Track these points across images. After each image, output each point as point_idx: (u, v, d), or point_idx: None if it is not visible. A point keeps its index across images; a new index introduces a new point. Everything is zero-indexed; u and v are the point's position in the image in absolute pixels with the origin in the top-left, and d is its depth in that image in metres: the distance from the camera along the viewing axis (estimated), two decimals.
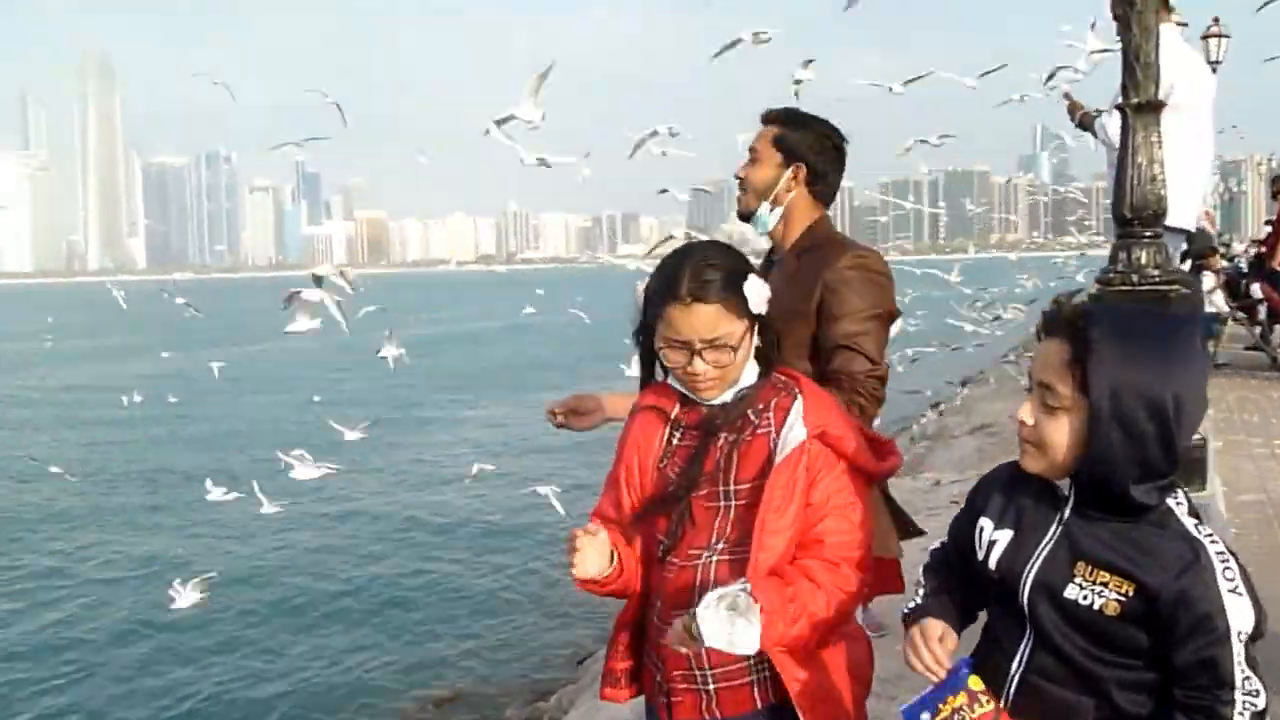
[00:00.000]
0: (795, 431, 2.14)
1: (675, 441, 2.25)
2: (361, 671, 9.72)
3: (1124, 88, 4.83)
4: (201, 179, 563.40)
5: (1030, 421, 1.74)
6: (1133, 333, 1.67)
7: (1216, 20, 14.70)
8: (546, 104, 6.27)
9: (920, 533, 3.63)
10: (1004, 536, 1.81)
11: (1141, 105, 4.77)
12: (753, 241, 3.29)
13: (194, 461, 19.80)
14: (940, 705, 1.78)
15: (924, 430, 12.98)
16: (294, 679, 9.62)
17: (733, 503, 2.17)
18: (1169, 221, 6.21)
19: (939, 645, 1.83)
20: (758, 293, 2.17)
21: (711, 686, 2.17)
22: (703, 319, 2.14)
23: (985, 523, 1.85)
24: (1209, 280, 11.38)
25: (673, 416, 2.27)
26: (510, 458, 19.16)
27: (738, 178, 3.18)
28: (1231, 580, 1.64)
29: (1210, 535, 1.69)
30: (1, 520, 15.95)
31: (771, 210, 3.12)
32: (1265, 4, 12.15)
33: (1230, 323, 11.63)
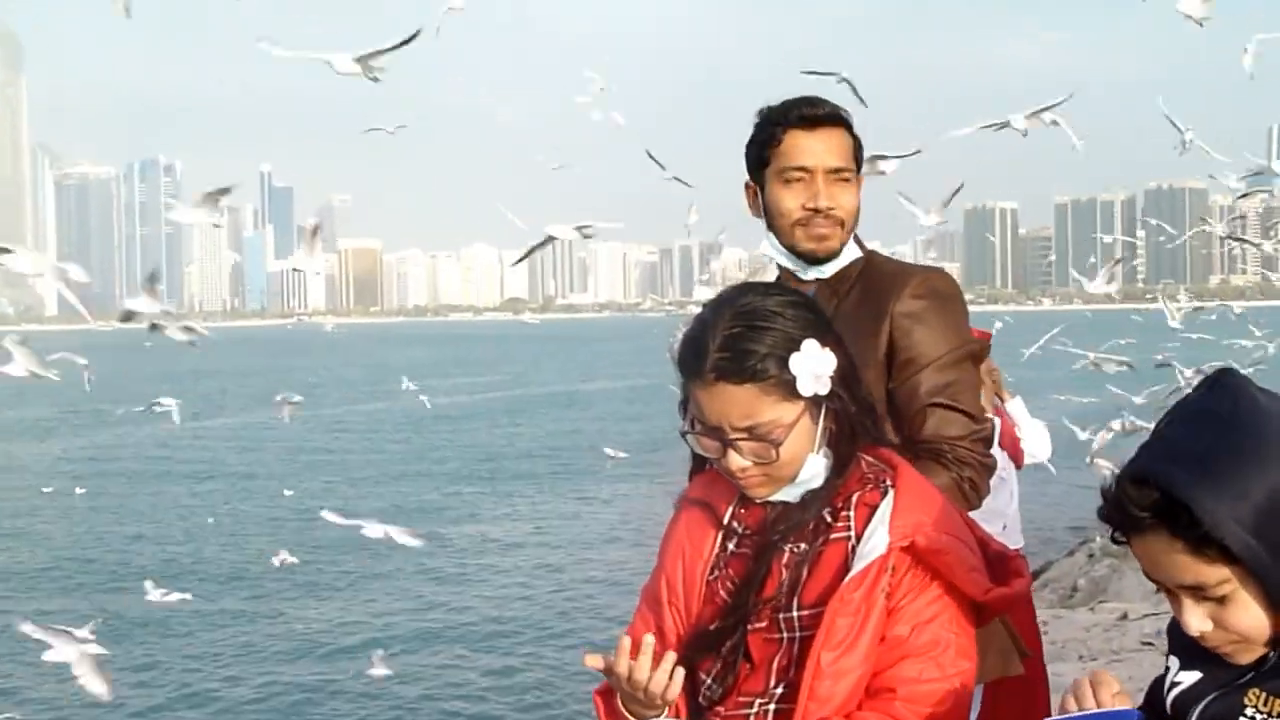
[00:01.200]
0: (876, 540, 2.14)
1: (730, 548, 2.27)
2: None
3: None
4: (133, 195, 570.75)
5: (1209, 627, 1.78)
6: (1204, 456, 1.71)
7: None
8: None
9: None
10: (1189, 678, 1.89)
11: None
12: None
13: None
14: None
15: (1107, 545, 12.61)
16: None
17: (797, 634, 2.18)
18: None
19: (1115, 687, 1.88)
20: (811, 368, 2.15)
21: None
22: (732, 403, 2.14)
23: (1172, 661, 1.93)
24: None
25: (728, 515, 2.29)
26: (542, 561, 20.98)
27: (816, 210, 3.04)
28: None
29: None
30: None
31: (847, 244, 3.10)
32: None
33: None
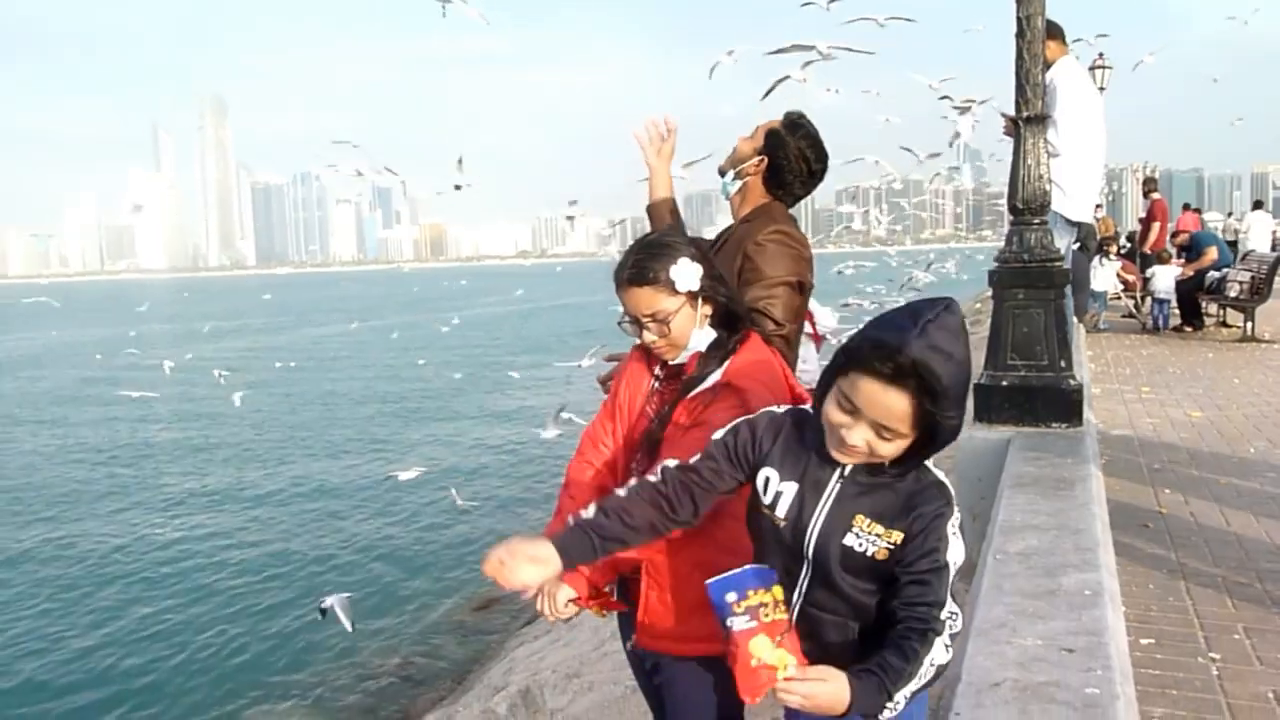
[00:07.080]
0: (712, 376, 2.06)
1: (656, 386, 2.18)
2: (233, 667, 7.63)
3: (1016, 103, 4.78)
4: (298, 193, 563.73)
5: (863, 446, 1.54)
6: (954, 358, 1.47)
7: (1101, 55, 15.23)
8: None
9: None
10: (789, 489, 1.64)
11: (1031, 118, 4.76)
12: None
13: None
14: (749, 592, 1.55)
15: None
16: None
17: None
18: (1070, 215, 6.17)
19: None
20: (685, 273, 2.05)
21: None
22: (639, 299, 2.06)
23: (770, 473, 1.67)
24: (1110, 264, 11.69)
25: (657, 368, 2.21)
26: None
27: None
28: (955, 523, 1.57)
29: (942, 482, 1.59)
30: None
31: (734, 180, 2.84)
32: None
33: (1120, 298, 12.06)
